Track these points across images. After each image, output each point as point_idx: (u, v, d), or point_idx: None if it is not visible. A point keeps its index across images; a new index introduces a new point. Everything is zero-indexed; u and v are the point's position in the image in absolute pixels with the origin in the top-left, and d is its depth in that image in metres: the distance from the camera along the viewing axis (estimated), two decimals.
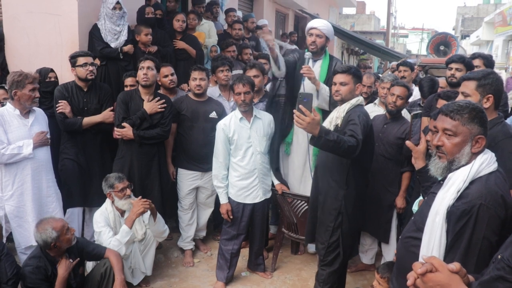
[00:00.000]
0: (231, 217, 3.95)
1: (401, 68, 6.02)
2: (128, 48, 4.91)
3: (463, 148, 1.97)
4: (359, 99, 3.33)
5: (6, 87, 3.71)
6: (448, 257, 1.91)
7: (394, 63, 10.41)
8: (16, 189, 3.66)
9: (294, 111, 2.76)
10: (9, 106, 3.69)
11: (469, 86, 2.68)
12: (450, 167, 2.00)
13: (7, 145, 3.57)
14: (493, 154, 1.99)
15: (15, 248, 3.85)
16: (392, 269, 2.45)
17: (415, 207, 3.04)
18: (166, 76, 4.55)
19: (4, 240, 3.86)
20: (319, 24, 4.21)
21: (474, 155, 1.97)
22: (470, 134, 1.96)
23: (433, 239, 1.96)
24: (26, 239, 3.69)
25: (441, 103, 3.68)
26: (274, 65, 4.07)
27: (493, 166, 1.95)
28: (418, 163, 2.66)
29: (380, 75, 7.34)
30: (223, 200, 3.99)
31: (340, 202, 3.26)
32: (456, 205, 1.90)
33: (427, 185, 2.62)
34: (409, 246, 2.17)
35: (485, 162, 1.94)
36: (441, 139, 2.01)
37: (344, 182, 3.26)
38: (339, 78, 3.32)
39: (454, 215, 1.90)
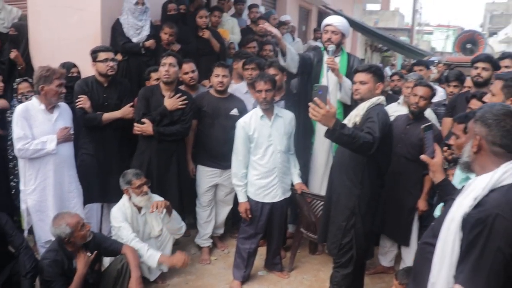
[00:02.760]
0: (250, 216, 3.92)
1: (415, 68, 5.87)
2: (150, 43, 4.91)
3: None
4: (380, 98, 3.25)
5: (31, 81, 3.74)
6: (459, 267, 1.82)
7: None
8: (39, 184, 3.69)
9: (309, 103, 2.72)
10: (34, 100, 3.71)
11: (496, 85, 2.61)
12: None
13: (32, 140, 3.59)
14: None
15: (36, 241, 3.90)
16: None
17: (437, 212, 2.95)
18: (186, 73, 4.51)
19: (26, 233, 3.89)
20: (334, 21, 4.24)
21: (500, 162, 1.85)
22: None
23: (447, 247, 1.88)
24: (47, 233, 3.70)
25: (475, 103, 3.55)
26: (281, 56, 4.13)
27: None
28: (436, 177, 2.49)
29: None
30: (241, 198, 3.95)
31: (354, 202, 3.20)
32: (472, 213, 1.79)
33: (449, 198, 2.50)
34: (424, 252, 2.10)
35: (510, 171, 1.80)
36: None
37: (359, 181, 3.19)
38: (359, 76, 3.26)
39: (469, 224, 1.79)
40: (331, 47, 4.11)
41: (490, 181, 1.80)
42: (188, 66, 4.53)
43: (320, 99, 2.70)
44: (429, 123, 2.47)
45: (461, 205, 1.85)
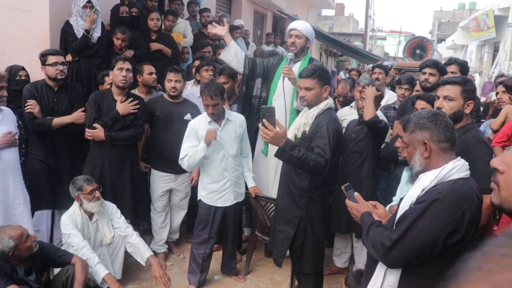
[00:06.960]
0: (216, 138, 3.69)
1: (376, 70, 6.06)
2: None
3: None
4: (328, 103, 3.22)
5: None
6: (392, 232, 1.96)
7: (371, 66, 10.48)
8: None
9: (259, 125, 2.76)
10: None
11: (453, 91, 2.70)
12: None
13: None
14: (466, 163, 1.97)
15: None
16: (359, 280, 2.45)
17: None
18: (151, 73, 4.59)
19: None
20: (298, 25, 4.25)
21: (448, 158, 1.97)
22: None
23: None
24: None
25: (420, 104, 3.68)
26: (226, 52, 4.32)
27: (465, 173, 1.94)
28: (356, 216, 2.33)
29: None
30: (203, 146, 3.61)
31: (302, 210, 3.24)
32: (418, 199, 1.95)
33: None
34: None
35: (456, 168, 1.93)
36: None
37: (305, 190, 3.22)
38: (303, 83, 3.19)
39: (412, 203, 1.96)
40: (290, 55, 4.12)
41: (439, 175, 1.92)
42: (150, 68, 4.59)
43: (268, 121, 2.73)
44: (347, 184, 2.40)
45: (410, 196, 1.99)
